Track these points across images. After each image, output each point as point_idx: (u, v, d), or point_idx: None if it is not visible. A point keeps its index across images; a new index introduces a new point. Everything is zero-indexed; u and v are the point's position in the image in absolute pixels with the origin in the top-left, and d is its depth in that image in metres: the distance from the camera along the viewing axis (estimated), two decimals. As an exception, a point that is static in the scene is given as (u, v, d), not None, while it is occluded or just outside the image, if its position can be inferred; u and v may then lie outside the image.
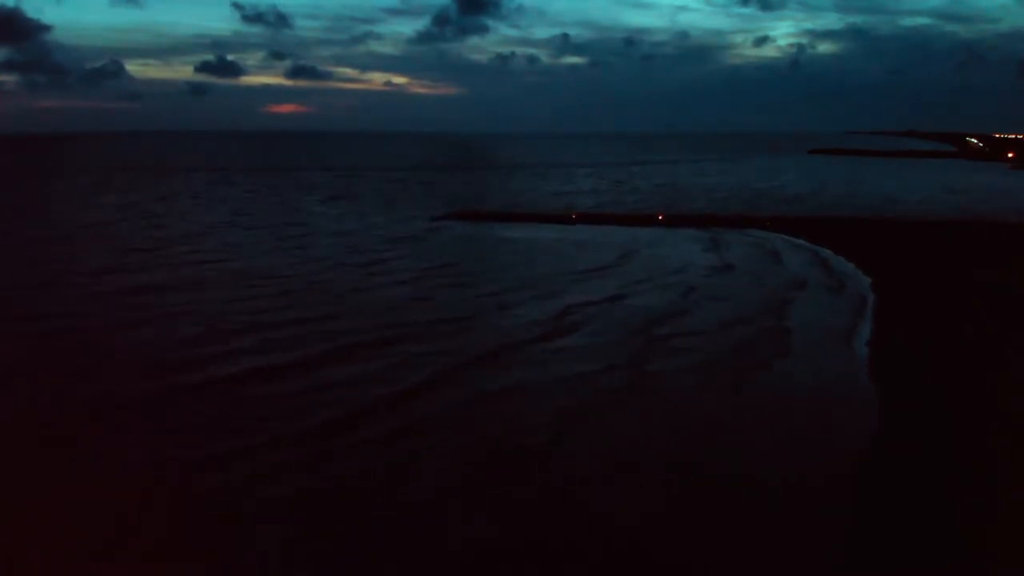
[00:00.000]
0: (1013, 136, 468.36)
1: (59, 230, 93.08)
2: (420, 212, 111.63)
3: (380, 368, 40.05)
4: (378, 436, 31.77)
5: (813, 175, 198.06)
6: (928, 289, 57.40)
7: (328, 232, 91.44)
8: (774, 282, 61.83)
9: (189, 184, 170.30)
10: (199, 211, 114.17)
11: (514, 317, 51.05)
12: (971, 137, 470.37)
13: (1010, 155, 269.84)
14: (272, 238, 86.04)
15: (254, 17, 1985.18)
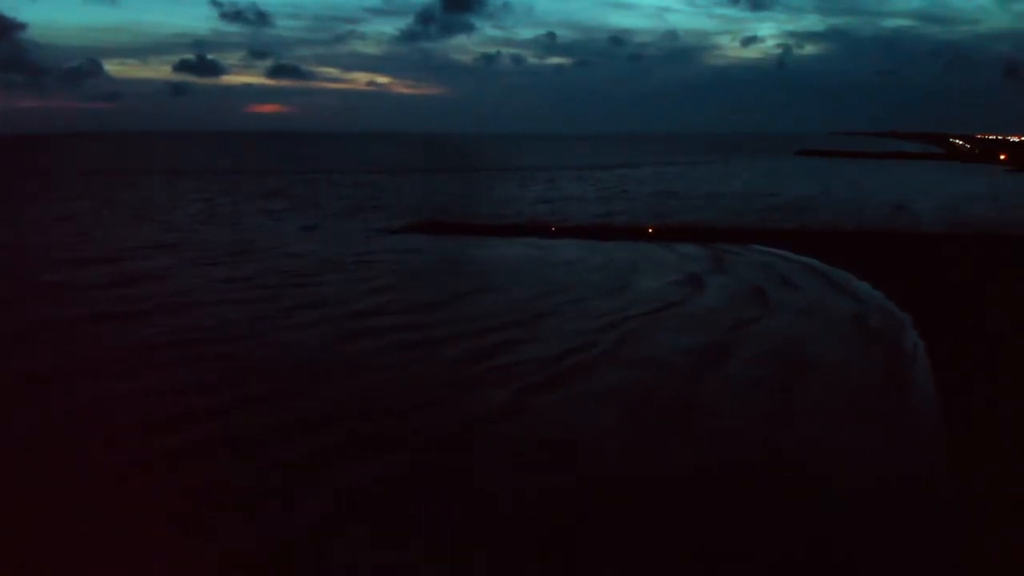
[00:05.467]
0: (993, 137, 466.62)
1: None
2: (389, 223, 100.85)
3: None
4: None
5: (810, 179, 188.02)
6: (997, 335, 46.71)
7: (279, 254, 78.85)
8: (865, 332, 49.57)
9: (141, 191, 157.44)
10: (135, 227, 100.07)
11: (541, 410, 35.82)
12: (954, 138, 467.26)
13: (1002, 157, 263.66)
14: (208, 270, 70.32)
15: (233, 15, 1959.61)
